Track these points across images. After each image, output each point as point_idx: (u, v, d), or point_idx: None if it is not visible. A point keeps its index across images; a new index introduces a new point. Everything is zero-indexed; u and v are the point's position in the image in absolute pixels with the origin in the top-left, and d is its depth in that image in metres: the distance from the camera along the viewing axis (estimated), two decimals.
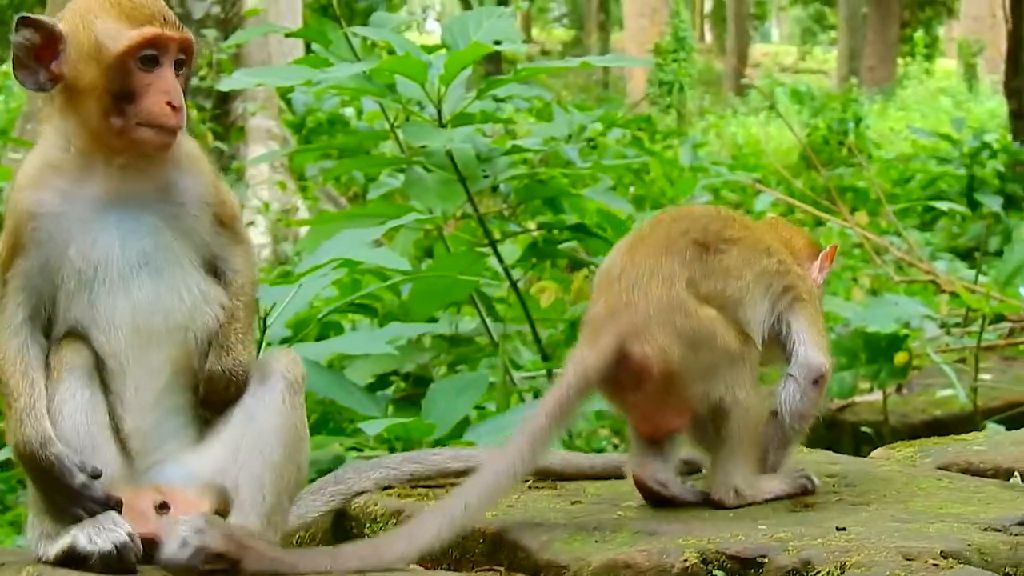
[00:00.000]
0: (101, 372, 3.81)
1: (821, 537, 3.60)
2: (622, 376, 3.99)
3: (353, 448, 7.02)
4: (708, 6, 68.36)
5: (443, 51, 7.67)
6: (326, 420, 7.62)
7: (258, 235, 15.04)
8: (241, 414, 3.87)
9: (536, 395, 7.85)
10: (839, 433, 8.82)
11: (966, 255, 17.33)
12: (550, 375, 8.07)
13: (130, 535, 3.65)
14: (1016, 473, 4.53)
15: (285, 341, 6.42)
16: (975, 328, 9.95)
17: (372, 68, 7.43)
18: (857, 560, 3.39)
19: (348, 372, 7.52)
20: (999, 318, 10.39)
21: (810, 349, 4.18)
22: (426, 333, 8.15)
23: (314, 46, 8.21)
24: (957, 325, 10.95)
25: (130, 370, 3.80)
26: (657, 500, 4.12)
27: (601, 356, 3.96)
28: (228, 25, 15.81)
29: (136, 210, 3.82)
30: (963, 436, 5.27)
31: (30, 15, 3.74)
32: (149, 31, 3.74)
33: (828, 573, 3.38)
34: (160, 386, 3.86)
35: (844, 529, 3.67)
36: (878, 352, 8.63)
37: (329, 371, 6.80)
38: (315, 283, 6.36)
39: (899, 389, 9.44)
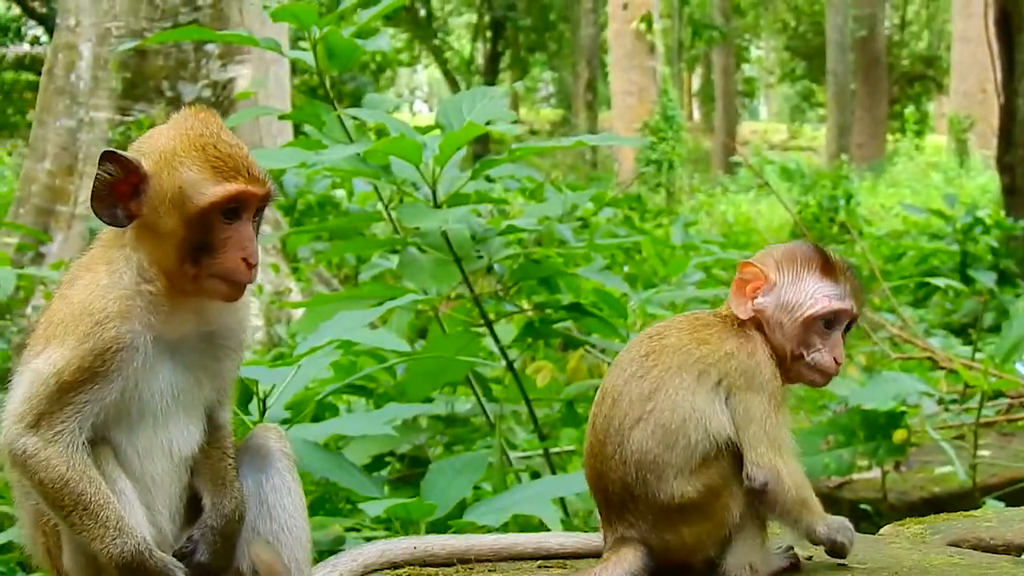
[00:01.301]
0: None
1: None
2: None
3: (352, 528, 7.00)
4: (696, 84, 68.48)
5: (436, 132, 7.66)
6: (323, 500, 7.60)
7: (252, 317, 15.01)
8: (261, 504, 3.94)
9: (533, 475, 7.85)
10: (837, 510, 8.70)
11: (960, 331, 17.37)
12: (547, 454, 8.07)
13: None
14: None
15: (284, 422, 6.40)
16: (973, 405, 9.95)
17: (367, 149, 7.42)
18: None
19: (346, 453, 7.51)
20: (997, 394, 10.41)
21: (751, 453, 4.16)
22: (422, 414, 8.16)
23: (307, 128, 8.20)
24: (955, 402, 10.93)
25: (156, 488, 3.83)
26: None
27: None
28: (219, 108, 15.77)
29: (190, 347, 3.84)
30: (972, 512, 5.26)
31: (116, 151, 3.71)
32: (234, 188, 3.73)
33: None
34: (177, 502, 3.90)
35: None
36: (876, 429, 8.63)
37: (327, 452, 6.79)
38: (313, 364, 6.35)
39: (897, 467, 9.44)
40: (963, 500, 8.99)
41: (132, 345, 3.70)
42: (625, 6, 39.64)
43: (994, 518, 4.98)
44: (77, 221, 15.78)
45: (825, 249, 4.35)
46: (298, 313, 15.21)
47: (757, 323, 4.26)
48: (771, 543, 4.25)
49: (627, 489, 4.17)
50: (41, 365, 3.72)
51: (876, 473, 9.11)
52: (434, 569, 4.56)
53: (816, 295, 4.22)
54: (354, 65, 7.78)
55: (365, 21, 7.56)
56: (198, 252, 3.72)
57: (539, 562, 4.55)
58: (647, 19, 39.70)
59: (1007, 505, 8.36)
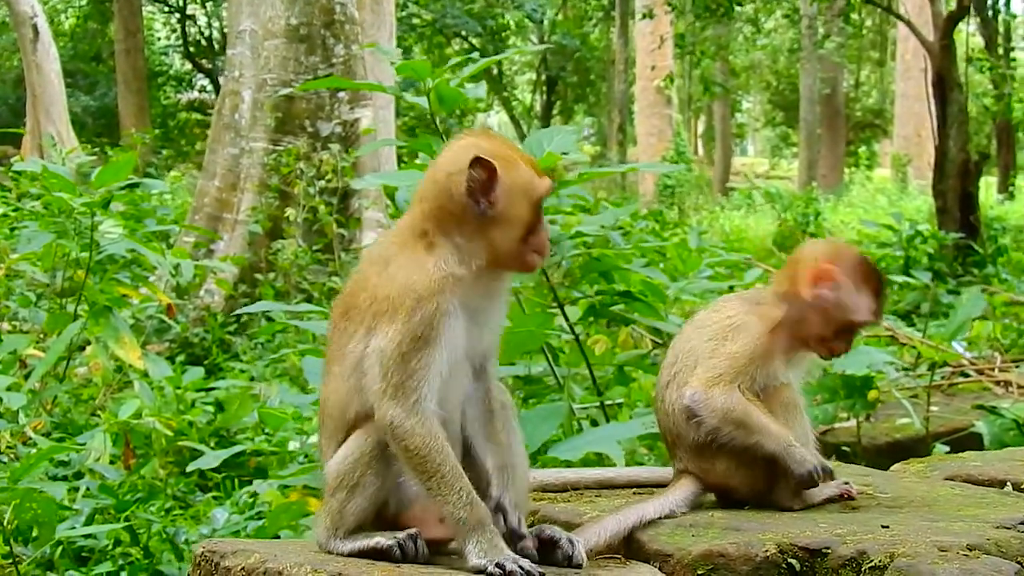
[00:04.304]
0: None
1: (871, 533, 3.53)
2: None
3: None
4: (700, 127, 68.41)
5: None
6: None
7: None
8: (500, 445, 3.80)
9: (592, 423, 7.78)
10: (823, 452, 8.74)
11: (905, 316, 17.35)
12: (602, 406, 8.01)
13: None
14: (1008, 483, 4.45)
15: None
16: (925, 372, 9.92)
17: None
18: (903, 551, 3.33)
19: None
20: (944, 364, 10.38)
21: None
22: (508, 375, 8.10)
23: (420, 156, 8.17)
24: (908, 369, 10.88)
25: (452, 438, 3.67)
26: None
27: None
28: (347, 141, 15.85)
29: (483, 309, 3.75)
30: (961, 455, 5.20)
31: (482, 156, 3.64)
32: (550, 183, 3.74)
33: (880, 562, 3.31)
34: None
35: (887, 527, 3.60)
36: (853, 389, 8.61)
37: None
38: None
39: (868, 418, 9.42)
40: (918, 444, 9.00)
41: (450, 312, 3.61)
42: (653, 67, 39.52)
43: (978, 459, 4.90)
44: (239, 226, 15.80)
45: (880, 271, 4.29)
46: None
47: (791, 304, 4.14)
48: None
49: (670, 432, 4.09)
50: (381, 343, 3.59)
51: (853, 423, 9.07)
52: (551, 494, 4.48)
53: (865, 308, 4.15)
54: (457, 108, 7.69)
55: (467, 75, 7.47)
56: (528, 232, 3.69)
57: (633, 490, 4.45)
58: (671, 78, 39.66)
59: (951, 449, 8.34)
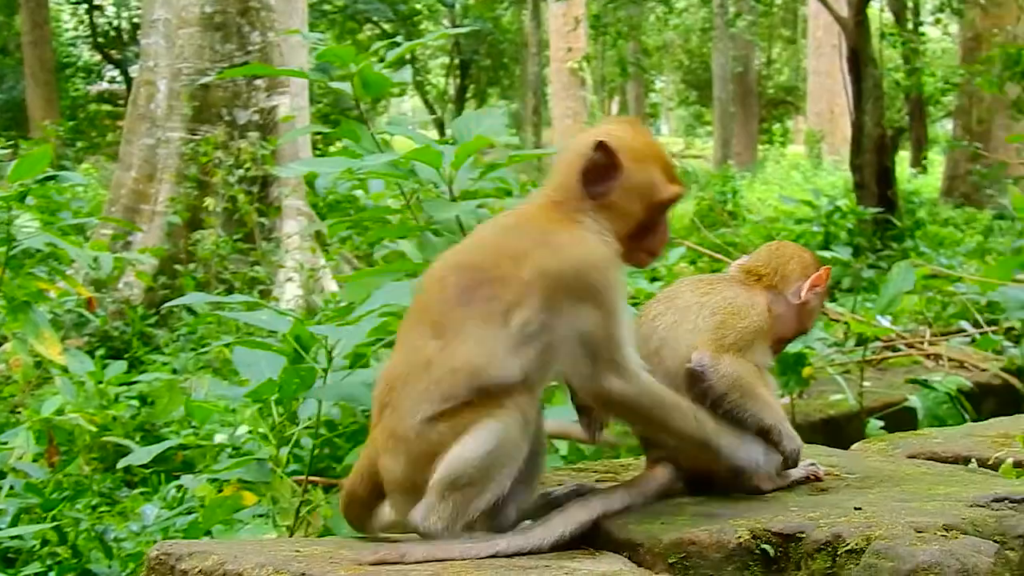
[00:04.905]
0: None
1: (844, 516, 3.44)
2: None
3: None
4: (616, 108, 68.54)
5: (450, 144, 7.56)
6: (359, 432, 7.40)
7: (294, 289, 14.95)
8: None
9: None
10: None
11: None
12: None
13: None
14: (972, 460, 4.42)
15: (346, 368, 6.25)
16: (856, 347, 9.93)
17: (398, 158, 7.32)
18: (879, 534, 3.23)
19: None
20: (875, 339, 10.39)
21: None
22: None
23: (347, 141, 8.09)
24: (839, 345, 10.91)
25: None
26: None
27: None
28: (265, 129, 15.72)
29: None
30: (921, 432, 5.18)
31: (606, 143, 3.68)
32: (680, 190, 3.79)
33: (857, 545, 3.24)
34: None
35: (860, 509, 3.51)
36: (787, 367, 8.59)
37: None
38: (367, 324, 6.20)
39: (801, 394, 9.39)
40: (852, 420, 9.03)
41: (624, 284, 3.76)
42: (569, 49, 39.54)
43: (939, 435, 4.86)
44: (157, 217, 15.63)
45: None
46: (329, 286, 15.13)
47: (775, 299, 4.13)
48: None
49: None
50: (578, 325, 3.64)
51: (786, 400, 9.03)
52: None
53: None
54: (383, 93, 7.62)
55: (391, 59, 7.41)
56: (643, 231, 3.77)
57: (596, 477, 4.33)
58: (587, 59, 39.62)
59: (885, 424, 8.36)
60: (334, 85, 7.57)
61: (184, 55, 15.95)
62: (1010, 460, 4.36)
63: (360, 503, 3.91)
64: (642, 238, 3.78)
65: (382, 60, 7.45)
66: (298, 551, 3.53)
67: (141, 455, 7.51)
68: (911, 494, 3.77)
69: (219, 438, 8.49)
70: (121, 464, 7.73)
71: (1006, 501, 3.59)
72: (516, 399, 3.58)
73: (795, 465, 4.01)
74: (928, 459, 4.49)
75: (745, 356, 3.94)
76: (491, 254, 3.72)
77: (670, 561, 3.43)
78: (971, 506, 3.54)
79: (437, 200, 7.75)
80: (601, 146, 3.67)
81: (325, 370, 6.03)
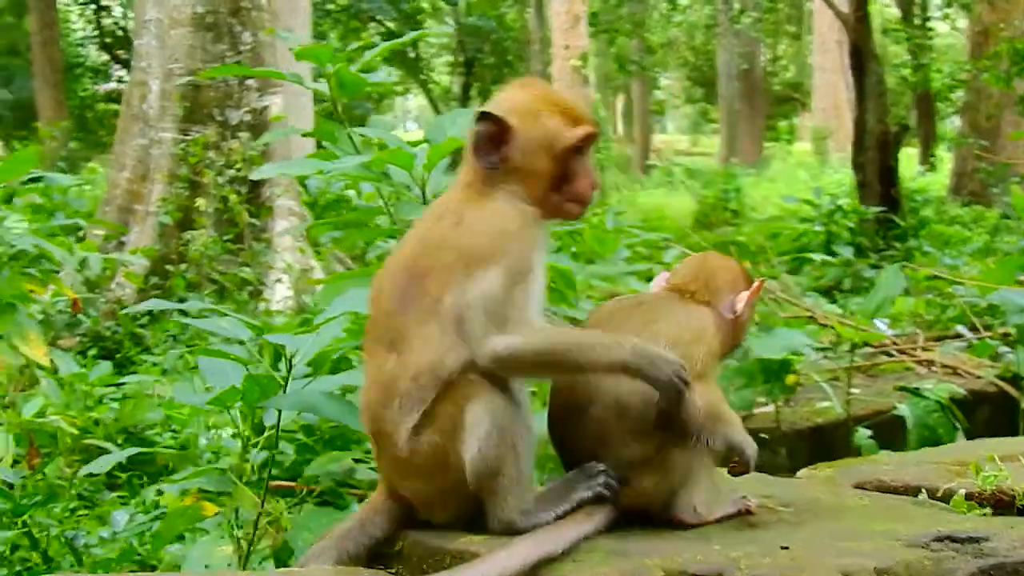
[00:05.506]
0: None
1: (769, 556, 3.23)
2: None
3: (360, 460, 6.84)
4: (620, 106, 68.51)
5: (425, 145, 7.43)
6: (336, 438, 7.49)
7: (284, 289, 14.84)
8: None
9: None
10: None
11: (826, 293, 17.26)
12: None
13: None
14: (923, 490, 4.17)
15: (306, 376, 6.13)
16: (846, 353, 9.73)
17: (370, 160, 7.18)
18: None
19: (354, 399, 7.29)
20: (865, 344, 10.18)
21: None
22: None
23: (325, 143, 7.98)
24: (826, 349, 10.71)
25: None
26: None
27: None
28: (257, 129, 15.60)
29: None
30: (872, 457, 4.98)
31: (489, 111, 3.67)
32: (588, 129, 3.77)
33: None
34: None
35: (788, 548, 3.29)
36: (771, 374, 8.44)
37: (340, 399, 6.52)
38: (330, 330, 6.07)
39: (787, 402, 9.20)
40: (839, 428, 8.79)
41: (540, 245, 3.67)
42: (567, 47, 39.34)
43: (891, 463, 4.61)
44: (150, 217, 15.48)
45: None
46: (320, 287, 15.00)
47: (695, 301, 3.96)
48: (725, 490, 3.90)
49: (592, 455, 3.78)
50: (484, 287, 3.57)
51: (771, 408, 8.85)
52: None
53: None
54: (360, 94, 7.48)
55: (368, 60, 7.27)
56: (560, 182, 3.74)
57: None
58: (584, 57, 39.40)
59: (873, 433, 8.14)
60: (309, 85, 7.47)
61: (176, 55, 15.83)
62: (962, 492, 4.04)
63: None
64: (563, 189, 3.75)
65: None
66: None
67: (102, 463, 7.43)
68: (847, 531, 3.55)
69: (204, 441, 8.47)
70: (82, 472, 7.64)
71: (947, 540, 3.39)
72: (483, 377, 3.58)
73: (748, 467, 3.88)
74: (875, 489, 4.23)
75: (710, 381, 3.81)
76: (417, 248, 3.74)
77: None
78: (909, 546, 3.33)
79: (409, 203, 7.63)
80: (484, 115, 3.68)
81: (285, 379, 5.87)
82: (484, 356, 3.56)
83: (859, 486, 4.29)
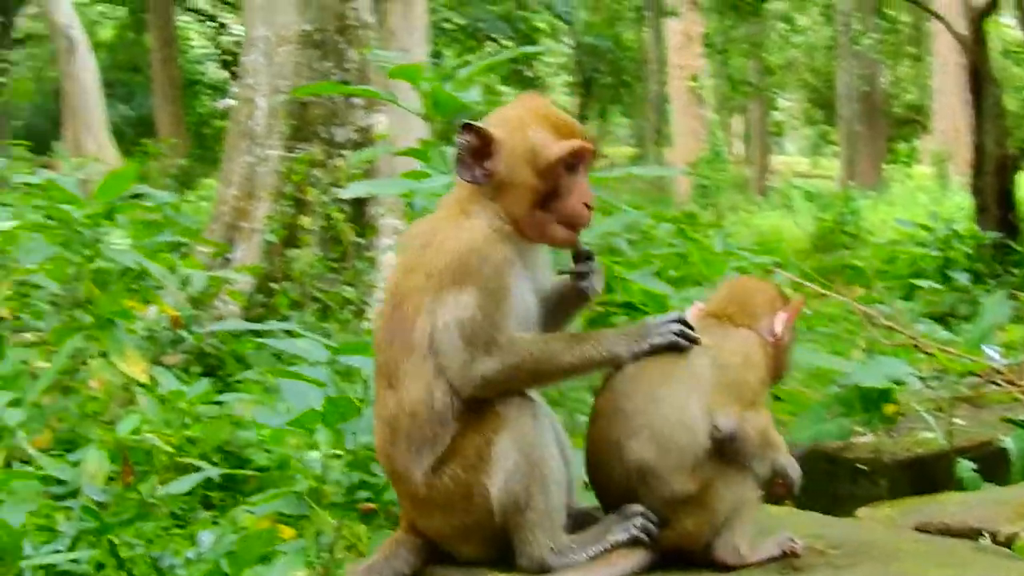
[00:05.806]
0: None
1: None
2: None
3: None
4: (739, 127, 68.30)
5: None
6: None
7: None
8: None
9: None
10: (841, 469, 8.40)
11: (941, 319, 16.94)
12: None
13: None
14: (984, 534, 3.96)
15: None
16: (952, 382, 9.48)
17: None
18: None
19: None
20: (971, 373, 9.91)
21: None
22: None
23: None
24: (935, 379, 10.44)
25: None
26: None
27: None
28: (362, 147, 15.62)
29: (532, 274, 3.62)
30: (938, 496, 4.75)
31: (472, 123, 3.54)
32: (577, 144, 3.62)
33: None
34: None
35: None
36: (870, 403, 8.20)
37: None
38: None
39: (888, 432, 8.96)
40: (941, 460, 8.50)
41: (512, 261, 3.53)
42: (680, 67, 39.27)
43: (959, 502, 4.41)
44: (255, 234, 15.50)
45: None
46: None
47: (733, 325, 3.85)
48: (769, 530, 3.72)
49: (630, 494, 3.62)
50: (456, 313, 3.47)
51: (871, 438, 8.62)
52: None
53: None
54: (455, 112, 7.39)
55: (464, 77, 7.21)
56: (547, 199, 3.62)
57: None
58: (694, 78, 39.29)
59: (977, 465, 7.89)
60: (402, 105, 7.42)
61: (283, 73, 15.88)
62: None
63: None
64: (551, 207, 3.62)
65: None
66: None
67: (187, 481, 7.50)
68: None
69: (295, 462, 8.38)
70: (167, 490, 7.66)
71: None
72: (510, 407, 3.50)
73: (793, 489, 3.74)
74: (937, 531, 4.03)
75: (760, 407, 3.66)
76: (398, 274, 3.66)
77: None
78: None
79: None
80: (467, 128, 3.55)
81: (361, 400, 5.85)
82: (466, 386, 3.46)
83: (920, 528, 4.10)
